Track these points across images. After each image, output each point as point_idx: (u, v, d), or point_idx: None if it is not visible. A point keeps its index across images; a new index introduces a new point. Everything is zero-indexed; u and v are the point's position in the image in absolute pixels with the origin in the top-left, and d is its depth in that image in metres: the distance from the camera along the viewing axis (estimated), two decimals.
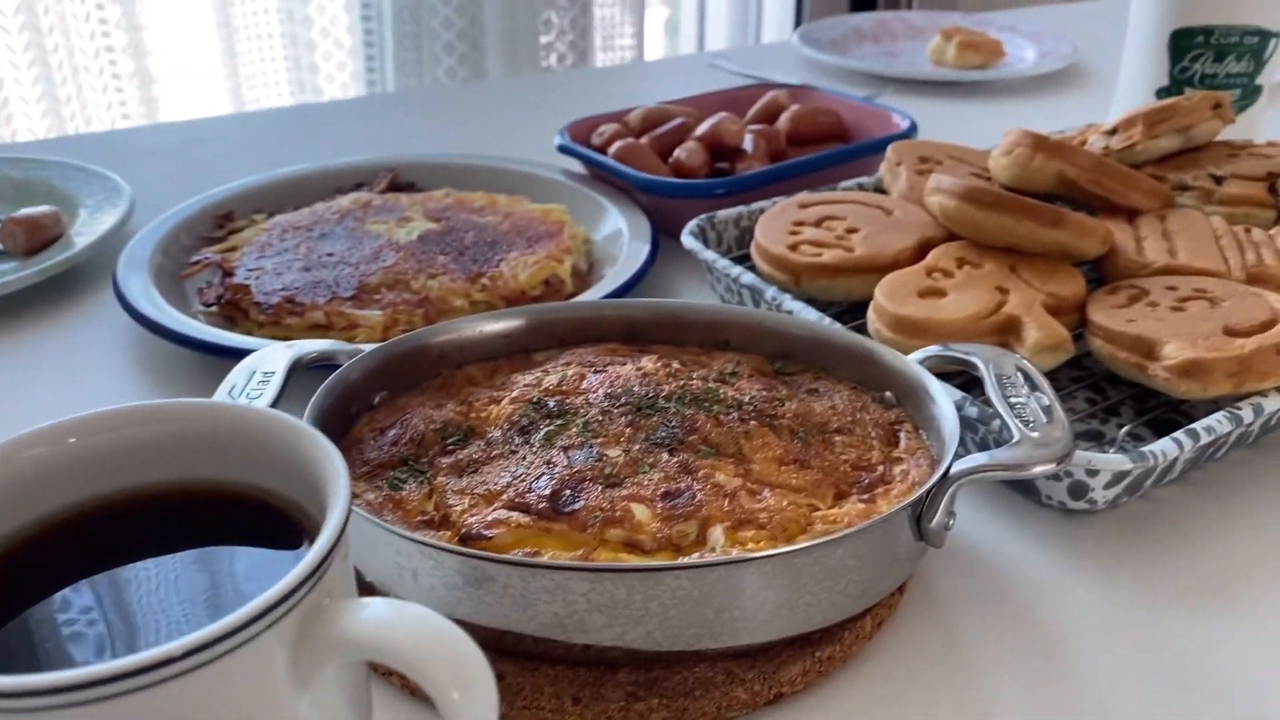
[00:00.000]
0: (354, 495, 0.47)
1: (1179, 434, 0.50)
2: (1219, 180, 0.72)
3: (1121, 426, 0.58)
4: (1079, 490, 0.51)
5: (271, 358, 0.51)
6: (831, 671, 0.44)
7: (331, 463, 0.32)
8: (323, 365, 0.54)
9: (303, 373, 0.53)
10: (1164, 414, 0.58)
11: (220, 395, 0.49)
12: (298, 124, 1.14)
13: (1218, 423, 0.51)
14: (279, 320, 0.67)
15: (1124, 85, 0.96)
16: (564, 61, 2.19)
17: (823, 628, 0.43)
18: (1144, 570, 0.50)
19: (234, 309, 0.69)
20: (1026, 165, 0.69)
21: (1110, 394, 0.61)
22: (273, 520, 0.35)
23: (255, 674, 0.29)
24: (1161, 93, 0.92)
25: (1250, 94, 0.91)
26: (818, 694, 0.43)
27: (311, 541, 0.33)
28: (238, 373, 0.51)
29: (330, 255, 0.72)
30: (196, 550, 0.34)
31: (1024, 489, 0.54)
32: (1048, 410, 0.47)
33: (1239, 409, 0.52)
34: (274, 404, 0.49)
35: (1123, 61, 0.96)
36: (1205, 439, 0.51)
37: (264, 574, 0.33)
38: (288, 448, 0.34)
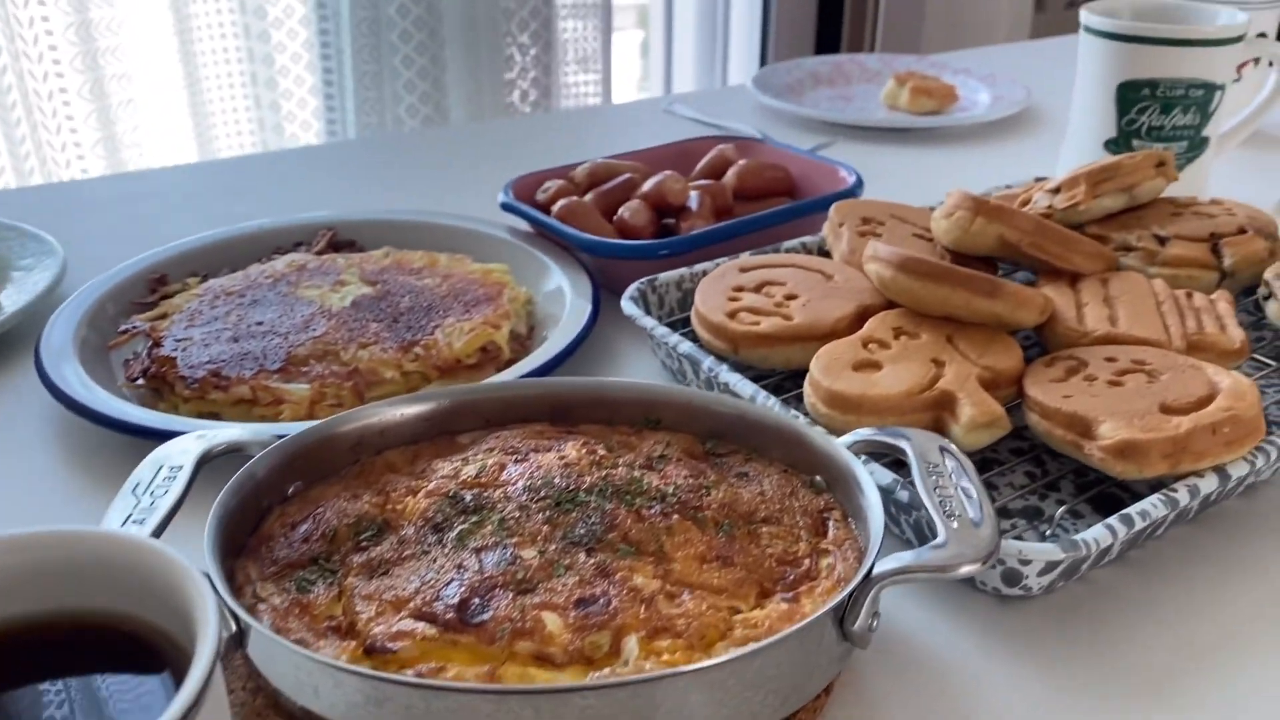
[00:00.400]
0: (260, 599, 0.45)
1: (1113, 520, 0.49)
2: (1162, 241, 0.72)
3: (1061, 503, 0.57)
4: (1013, 577, 0.50)
5: (179, 451, 0.50)
6: None
7: (202, 601, 0.31)
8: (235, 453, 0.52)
9: (219, 461, 0.51)
10: (1105, 489, 0.57)
11: (125, 492, 0.48)
12: (246, 176, 1.12)
13: (1153, 506, 0.50)
14: (204, 395, 0.65)
15: (1072, 136, 0.96)
16: (527, 99, 2.18)
17: None
18: (1080, 658, 0.49)
19: (160, 382, 0.67)
20: (967, 229, 0.68)
21: (1050, 468, 0.60)
22: (144, 651, 0.33)
23: None
24: (1110, 144, 0.92)
25: (1197, 145, 0.91)
26: None
27: (178, 680, 0.32)
28: (144, 468, 0.49)
29: (260, 324, 0.71)
30: (62, 683, 0.32)
31: None
32: (975, 504, 0.46)
33: (1175, 491, 0.51)
34: (180, 501, 0.47)
35: (1071, 112, 0.96)
36: (1140, 524, 0.49)
37: (134, 713, 0.31)
38: (159, 578, 0.32)
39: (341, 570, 0.46)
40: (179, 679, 0.28)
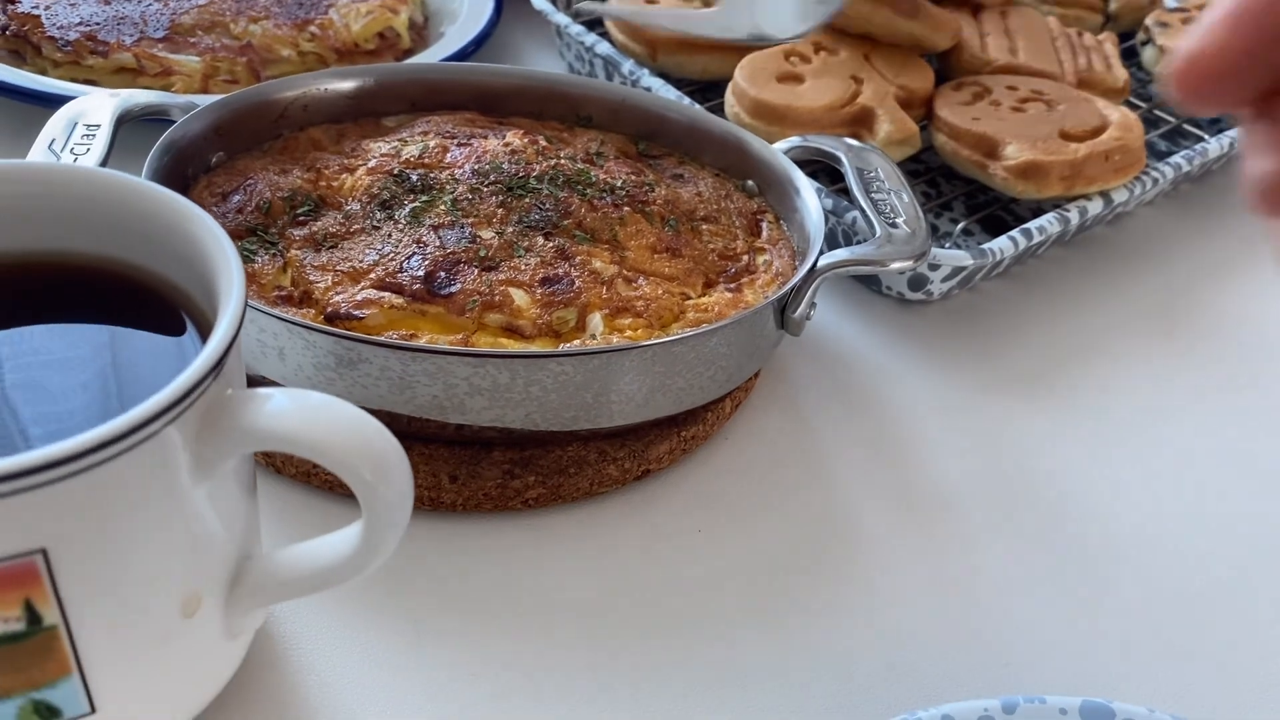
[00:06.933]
0: None
1: (1014, 233, 0.53)
2: None
3: (956, 222, 0.61)
4: (918, 282, 0.54)
5: (95, 108, 0.46)
6: (694, 449, 0.46)
7: (220, 244, 0.30)
8: (151, 119, 0.49)
9: (127, 126, 0.48)
10: (993, 211, 0.62)
11: (38, 150, 0.44)
12: None
13: (1049, 223, 0.55)
14: (79, 60, 0.60)
15: None
16: None
17: (689, 409, 0.45)
18: (972, 357, 0.54)
19: (23, 43, 0.61)
20: None
21: (945, 189, 0.63)
22: (147, 299, 0.32)
23: (155, 469, 0.27)
24: None
25: None
26: (681, 470, 0.46)
27: (199, 326, 0.31)
28: (56, 124, 0.45)
29: None
30: (64, 328, 0.31)
31: (865, 280, 0.57)
32: (907, 208, 0.49)
33: (1067, 211, 0.56)
34: (103, 162, 0.44)
35: None
36: (1037, 238, 0.54)
37: (151, 360, 0.31)
38: (162, 222, 0.31)
39: (283, 242, 0.45)
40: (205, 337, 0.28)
